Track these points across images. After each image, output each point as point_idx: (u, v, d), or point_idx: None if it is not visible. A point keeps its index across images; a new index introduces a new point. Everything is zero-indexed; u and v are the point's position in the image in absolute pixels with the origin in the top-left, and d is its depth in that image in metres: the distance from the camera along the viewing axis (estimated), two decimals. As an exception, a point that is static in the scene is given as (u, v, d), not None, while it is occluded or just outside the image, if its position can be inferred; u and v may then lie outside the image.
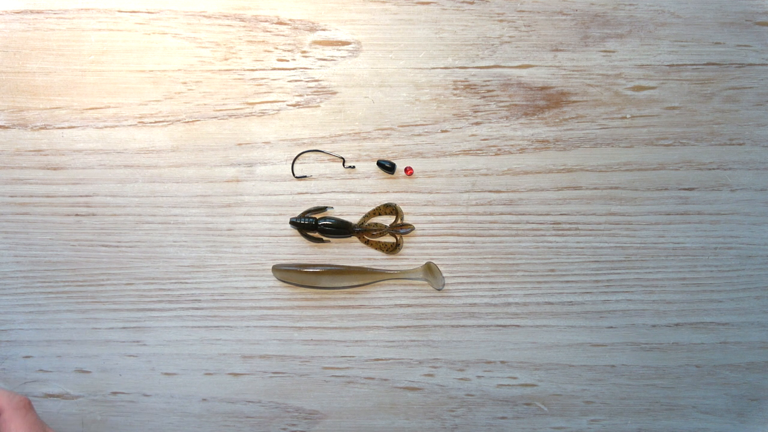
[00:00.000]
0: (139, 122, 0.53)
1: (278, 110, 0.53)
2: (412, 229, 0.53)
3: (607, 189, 0.53)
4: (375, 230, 0.53)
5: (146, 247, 0.53)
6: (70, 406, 0.54)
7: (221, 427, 0.54)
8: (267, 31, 0.52)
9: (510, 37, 0.52)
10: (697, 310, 0.54)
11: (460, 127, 0.52)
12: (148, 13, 0.52)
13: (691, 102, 0.52)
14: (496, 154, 0.53)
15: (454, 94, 0.52)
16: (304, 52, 0.52)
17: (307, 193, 0.53)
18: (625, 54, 0.52)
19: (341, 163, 0.53)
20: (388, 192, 0.53)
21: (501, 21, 0.52)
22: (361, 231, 0.53)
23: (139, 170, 0.53)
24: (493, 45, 0.52)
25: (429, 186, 0.53)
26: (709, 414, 0.55)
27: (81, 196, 0.53)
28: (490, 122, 0.52)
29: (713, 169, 0.53)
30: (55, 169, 0.53)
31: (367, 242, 0.53)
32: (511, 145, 0.53)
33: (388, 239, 0.53)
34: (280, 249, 0.53)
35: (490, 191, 0.53)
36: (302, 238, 0.53)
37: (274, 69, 0.52)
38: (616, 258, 0.53)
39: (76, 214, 0.53)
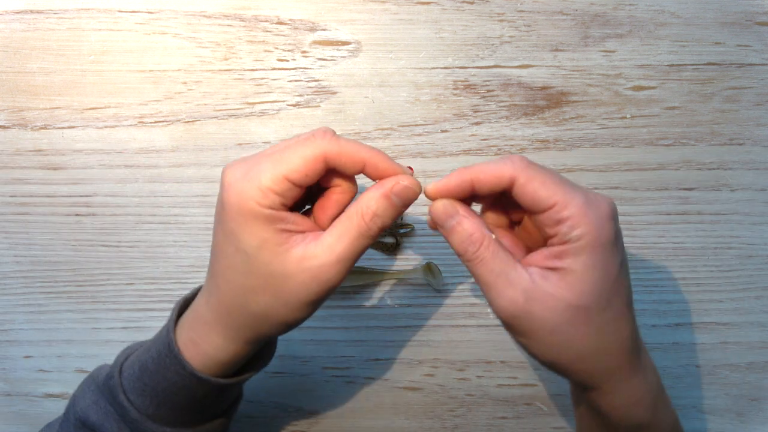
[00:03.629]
0: (139, 122, 0.53)
1: (278, 110, 0.53)
2: (412, 229, 0.53)
3: (607, 189, 0.53)
4: (375, 230, 0.53)
5: (146, 247, 0.53)
6: (70, 406, 0.54)
7: (221, 427, 0.54)
8: (267, 31, 0.52)
9: (510, 37, 0.52)
10: (697, 310, 0.54)
11: (460, 127, 0.52)
12: (148, 13, 0.52)
13: (691, 102, 0.52)
14: (496, 154, 0.52)
15: (454, 94, 0.52)
16: (304, 52, 0.52)
17: (307, 193, 0.53)
18: (625, 54, 0.52)
19: (341, 163, 0.53)
20: (388, 192, 0.53)
21: (501, 21, 0.52)
22: (361, 231, 0.53)
23: (139, 170, 0.53)
24: (493, 45, 0.52)
25: (429, 186, 0.53)
26: (709, 414, 0.54)
27: (81, 196, 0.53)
28: (490, 122, 0.52)
29: (713, 169, 0.53)
30: (55, 169, 0.53)
31: (367, 242, 0.53)
32: (511, 145, 0.52)
33: (388, 239, 0.53)
34: (280, 249, 0.53)
35: (490, 191, 0.53)
36: (302, 238, 0.53)
37: (274, 69, 0.52)
38: (616, 258, 0.53)
39: (76, 214, 0.53)
